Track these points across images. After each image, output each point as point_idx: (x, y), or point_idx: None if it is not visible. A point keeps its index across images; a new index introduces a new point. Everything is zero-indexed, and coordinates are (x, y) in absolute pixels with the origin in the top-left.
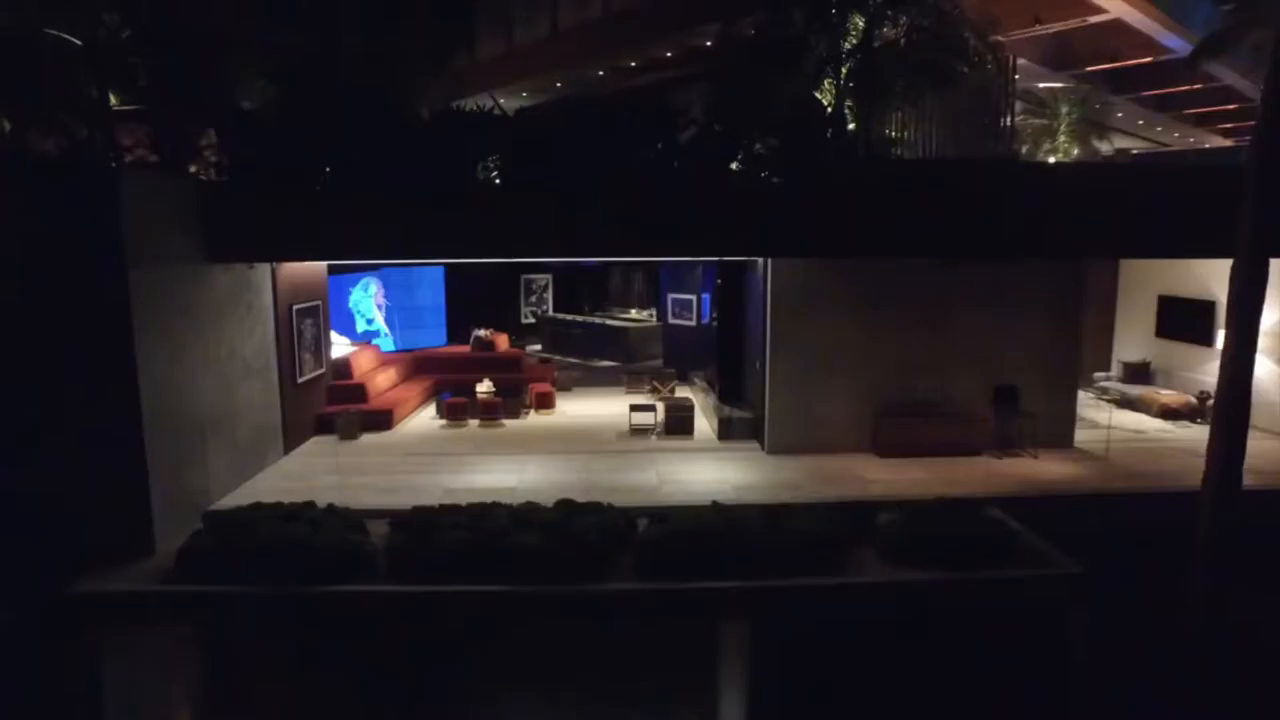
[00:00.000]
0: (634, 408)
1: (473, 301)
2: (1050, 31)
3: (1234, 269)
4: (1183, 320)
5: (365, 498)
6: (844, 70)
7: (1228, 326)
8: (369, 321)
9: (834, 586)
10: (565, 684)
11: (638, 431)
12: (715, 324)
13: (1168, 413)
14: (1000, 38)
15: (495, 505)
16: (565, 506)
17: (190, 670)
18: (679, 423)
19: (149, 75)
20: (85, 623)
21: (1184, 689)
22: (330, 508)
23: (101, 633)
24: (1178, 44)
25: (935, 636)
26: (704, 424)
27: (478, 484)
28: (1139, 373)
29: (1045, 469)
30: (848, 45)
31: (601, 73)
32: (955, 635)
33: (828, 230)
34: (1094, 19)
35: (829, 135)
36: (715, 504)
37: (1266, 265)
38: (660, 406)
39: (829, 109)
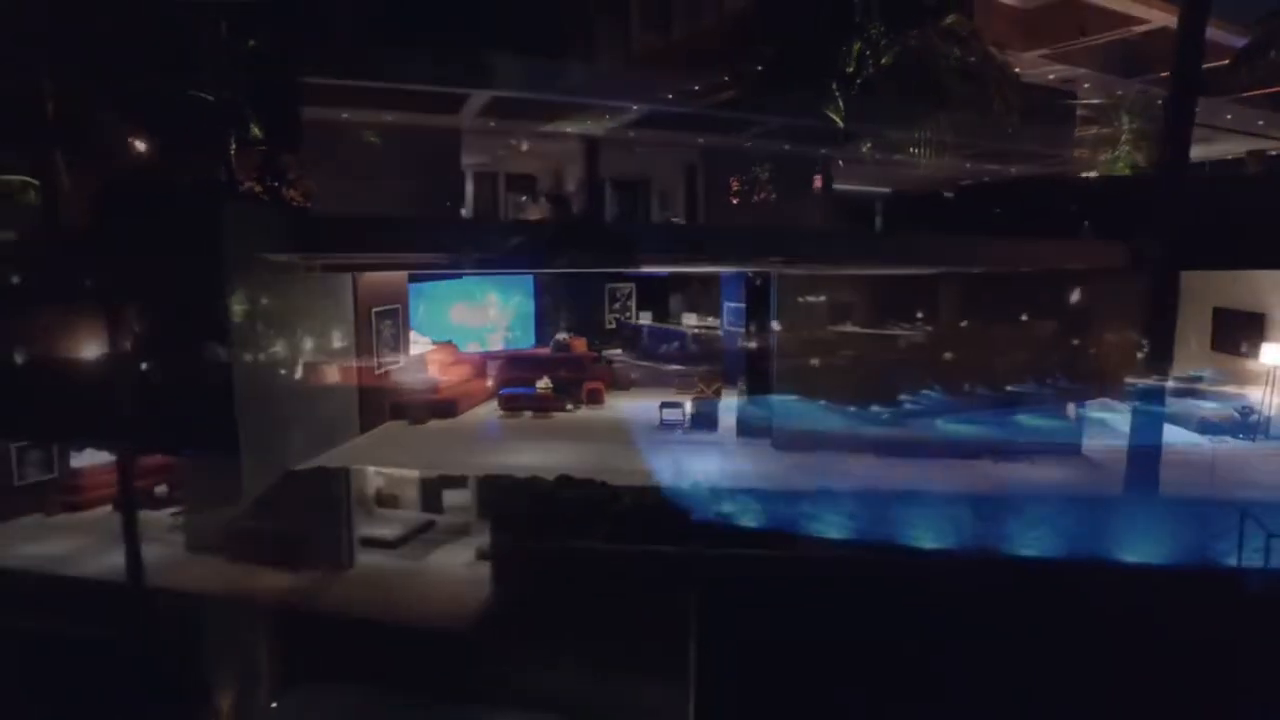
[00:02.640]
0: (664, 404)
1: (562, 308)
2: (1099, 42)
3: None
4: (1234, 333)
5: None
6: (850, 91)
7: (1146, 335)
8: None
9: (755, 558)
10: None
11: (666, 426)
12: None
13: (1207, 426)
14: (1001, 55)
15: (503, 477)
16: (560, 481)
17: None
18: (702, 419)
19: (264, 123)
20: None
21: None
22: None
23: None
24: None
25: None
26: (733, 421)
27: (503, 461)
28: (1189, 385)
29: (1040, 475)
30: (849, 69)
31: (670, 95)
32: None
33: (823, 242)
34: (1139, 29)
35: (835, 151)
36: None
37: (1178, 278)
38: (688, 404)
39: (842, 127)
